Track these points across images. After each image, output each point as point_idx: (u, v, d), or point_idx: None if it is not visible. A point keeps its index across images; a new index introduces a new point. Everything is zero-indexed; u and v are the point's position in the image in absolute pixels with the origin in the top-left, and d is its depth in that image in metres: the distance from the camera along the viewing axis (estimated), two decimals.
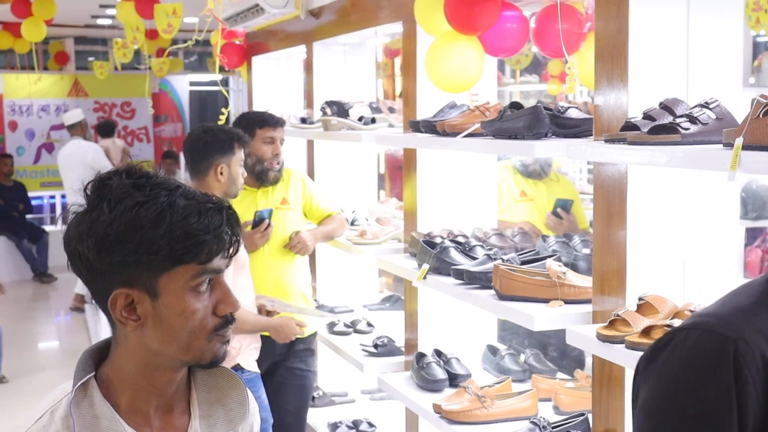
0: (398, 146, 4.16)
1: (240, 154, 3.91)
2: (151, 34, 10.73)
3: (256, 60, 6.76)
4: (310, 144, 5.48)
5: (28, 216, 12.06)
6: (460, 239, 3.70)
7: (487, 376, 3.81)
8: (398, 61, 9.84)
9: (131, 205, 1.50)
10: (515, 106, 3.09)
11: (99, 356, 1.66)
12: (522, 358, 3.90)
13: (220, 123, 5.00)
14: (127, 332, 1.59)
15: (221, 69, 12.52)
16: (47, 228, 12.48)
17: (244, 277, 3.85)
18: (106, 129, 10.50)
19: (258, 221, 4.37)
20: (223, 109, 4.94)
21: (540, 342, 4.37)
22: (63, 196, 13.12)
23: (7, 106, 12.24)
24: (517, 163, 4.60)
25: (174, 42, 12.08)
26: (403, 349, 4.31)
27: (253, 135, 4.41)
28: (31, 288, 11.50)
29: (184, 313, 1.55)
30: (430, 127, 3.55)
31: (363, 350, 4.43)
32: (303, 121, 5.28)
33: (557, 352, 4.32)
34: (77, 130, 9.36)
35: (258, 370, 3.97)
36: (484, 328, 4.15)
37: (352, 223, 4.90)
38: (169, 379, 1.63)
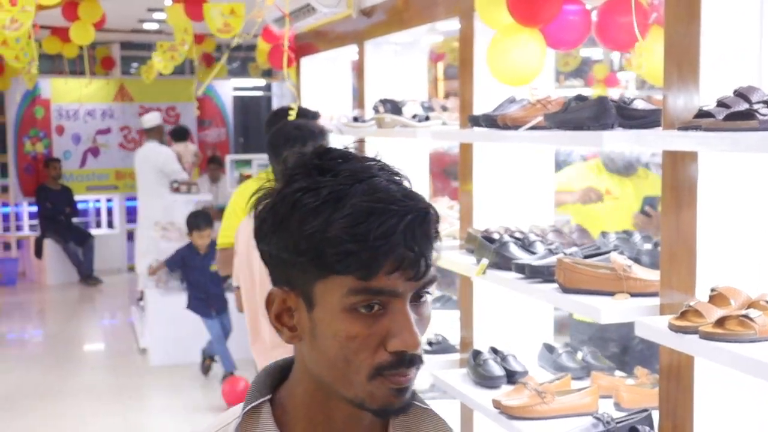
0: (456, 141, 4.13)
1: None
2: (198, 39, 10.81)
3: (304, 61, 6.78)
4: (361, 145, 5.46)
5: (75, 219, 12.18)
6: (518, 235, 3.68)
7: (544, 375, 3.78)
8: (441, 65, 9.85)
9: (295, 189, 1.26)
10: (580, 98, 3.06)
11: (280, 375, 1.40)
12: (579, 355, 3.86)
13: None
14: (298, 346, 1.33)
15: (268, 73, 12.58)
16: (93, 231, 12.60)
17: None
18: (179, 133, 10.60)
19: None
20: (292, 105, 4.86)
21: (597, 340, 4.32)
22: (109, 200, 13.24)
23: (54, 111, 12.37)
24: (605, 161, 4.52)
25: (218, 47, 12.18)
26: (457, 347, 4.29)
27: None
28: (77, 290, 11.60)
29: (337, 335, 1.24)
30: (490, 121, 3.52)
31: None
32: (355, 120, 5.27)
33: (616, 350, 4.28)
34: (154, 133, 9.48)
35: None
36: (539, 327, 4.11)
37: None
38: (349, 414, 1.32)
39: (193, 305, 7.15)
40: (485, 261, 3.51)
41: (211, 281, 7.18)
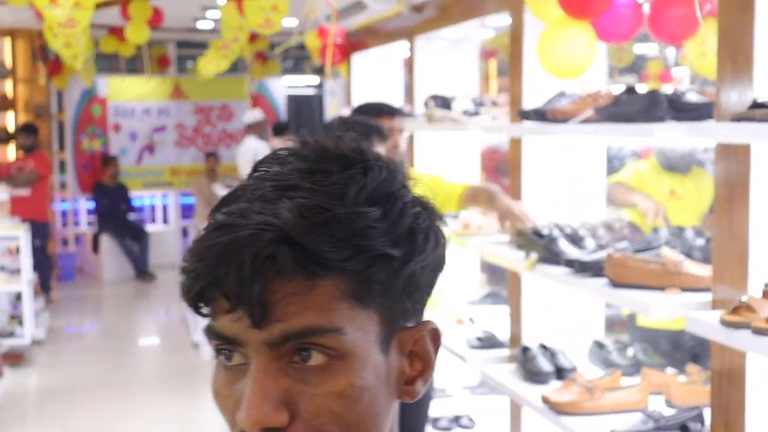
0: (506, 135, 4.11)
1: (379, 149, 3.59)
2: (252, 38, 10.89)
3: (355, 58, 6.79)
4: (411, 141, 5.47)
5: (130, 216, 12.35)
6: (568, 231, 3.65)
7: (593, 371, 3.74)
8: (494, 62, 9.80)
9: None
10: (631, 91, 3.03)
11: None
12: (630, 352, 3.82)
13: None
14: None
15: (319, 70, 12.61)
16: (148, 228, 12.75)
17: None
18: (279, 129, 10.81)
19: None
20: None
21: (648, 337, 4.27)
22: (164, 197, 13.39)
23: (111, 109, 12.55)
24: (660, 160, 4.44)
25: (272, 45, 12.26)
26: (506, 343, 4.27)
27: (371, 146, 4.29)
28: (132, 286, 11.76)
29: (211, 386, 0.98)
30: (540, 115, 3.50)
31: (466, 344, 4.39)
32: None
33: (666, 348, 4.22)
34: (255, 129, 9.64)
35: None
36: (589, 324, 4.08)
37: (456, 217, 4.86)
38: None
39: None
40: (534, 256, 3.50)
41: None
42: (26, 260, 8.19)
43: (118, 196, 12.12)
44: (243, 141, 10.12)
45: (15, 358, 7.77)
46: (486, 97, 4.87)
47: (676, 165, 4.37)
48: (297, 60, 14.09)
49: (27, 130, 10.36)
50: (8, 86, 11.50)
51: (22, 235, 8.12)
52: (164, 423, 6.42)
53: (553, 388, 3.50)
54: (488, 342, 4.36)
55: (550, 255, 3.43)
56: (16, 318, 8.33)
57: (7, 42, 11.48)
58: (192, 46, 13.40)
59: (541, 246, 3.48)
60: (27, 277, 8.16)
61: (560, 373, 3.69)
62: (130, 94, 12.60)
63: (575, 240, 3.49)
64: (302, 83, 14.95)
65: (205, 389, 7.36)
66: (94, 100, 12.42)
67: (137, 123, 12.71)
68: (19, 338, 8.07)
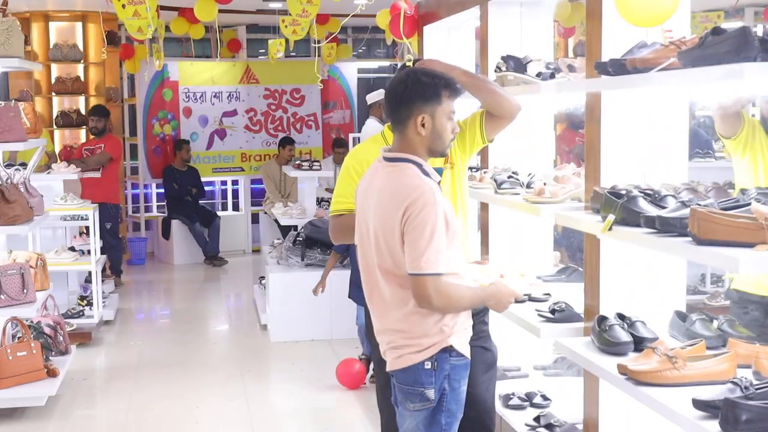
0: (581, 91, 3.88)
1: (449, 105, 3.32)
2: (321, 19, 10.78)
3: (427, 29, 6.61)
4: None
5: (201, 201, 12.33)
6: (647, 191, 3.42)
7: (675, 343, 3.51)
8: (572, 41, 9.51)
9: None
10: (718, 31, 2.80)
11: None
12: (715, 324, 3.58)
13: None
14: None
15: (392, 54, 12.45)
16: (219, 213, 12.74)
17: (456, 248, 3.33)
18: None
19: None
20: (408, 56, 4.58)
21: (740, 303, 4.02)
22: (234, 182, 13.37)
23: (182, 93, 12.55)
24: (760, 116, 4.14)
25: (343, 29, 12.15)
26: (581, 316, 4.05)
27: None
28: (202, 270, 11.74)
29: None
30: (618, 66, 3.28)
31: (539, 315, 4.18)
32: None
33: (756, 315, 3.96)
34: (374, 110, 9.53)
35: (469, 356, 3.38)
36: (670, 294, 3.84)
37: (528, 186, 4.65)
38: None
39: (354, 294, 6.73)
40: (611, 217, 3.28)
41: None
42: (96, 241, 8.19)
43: (189, 180, 12.11)
44: (365, 122, 9.85)
45: (83, 338, 7.76)
46: (561, 62, 4.64)
47: None
48: (369, 44, 13.96)
49: (98, 112, 10.39)
50: (80, 70, 11.56)
51: (91, 216, 8.12)
52: (231, 402, 6.33)
53: (632, 358, 3.28)
54: (562, 315, 4.14)
55: (628, 215, 3.21)
56: (86, 298, 8.34)
57: (79, 26, 11.55)
58: (262, 31, 13.36)
59: (619, 206, 3.26)
60: (96, 258, 8.15)
61: (639, 343, 3.46)
62: (200, 78, 12.59)
63: (656, 200, 3.26)
64: (374, 67, 14.82)
65: (272, 369, 7.26)
66: (165, 84, 12.44)
67: (208, 107, 12.70)
68: (88, 318, 8.08)
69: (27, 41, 10.73)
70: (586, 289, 3.97)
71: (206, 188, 12.72)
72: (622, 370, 3.18)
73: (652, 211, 3.15)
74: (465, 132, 3.93)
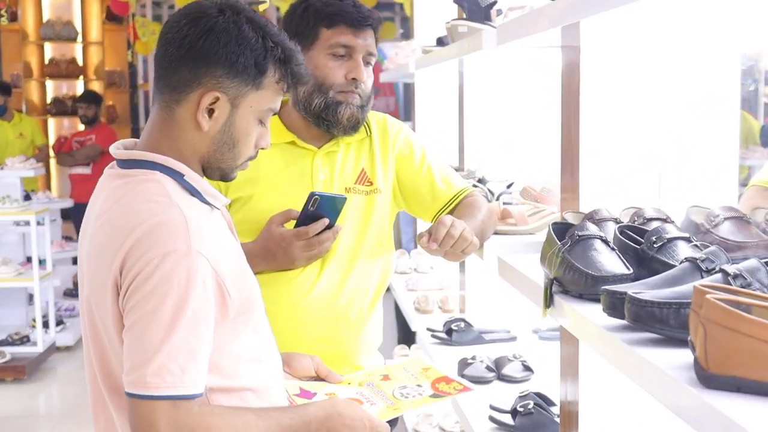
0: (553, 27, 2.12)
1: (272, 96, 1.75)
2: None
3: None
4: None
5: None
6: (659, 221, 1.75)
7: None
8: None
9: None
10: None
11: None
12: None
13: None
14: None
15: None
16: None
17: (264, 331, 1.83)
18: None
19: (312, 213, 2.20)
20: None
21: None
22: None
23: None
24: None
25: (379, 5, 10.68)
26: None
27: (315, 39, 2.29)
28: None
29: None
30: None
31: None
32: (440, 43, 3.49)
33: None
34: None
35: None
36: None
37: (497, 199, 2.95)
38: None
39: None
40: (546, 282, 1.62)
41: None
42: (48, 252, 6.85)
43: None
44: None
45: (16, 372, 6.38)
46: None
47: None
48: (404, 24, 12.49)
49: (88, 99, 9.01)
50: (78, 51, 10.21)
51: (45, 221, 6.81)
52: None
53: None
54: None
55: (574, 279, 1.55)
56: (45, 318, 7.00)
57: (77, 2, 10.19)
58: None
59: (559, 257, 1.60)
60: (45, 272, 6.78)
61: None
62: None
63: (650, 246, 1.59)
64: None
65: None
66: None
67: None
68: (31, 346, 6.72)
69: (14, 16, 9.46)
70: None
71: None
72: None
73: (618, 270, 1.48)
74: (423, 168, 2.45)
